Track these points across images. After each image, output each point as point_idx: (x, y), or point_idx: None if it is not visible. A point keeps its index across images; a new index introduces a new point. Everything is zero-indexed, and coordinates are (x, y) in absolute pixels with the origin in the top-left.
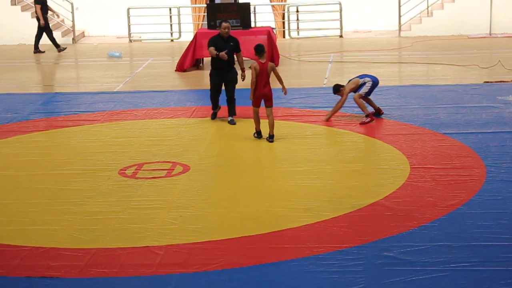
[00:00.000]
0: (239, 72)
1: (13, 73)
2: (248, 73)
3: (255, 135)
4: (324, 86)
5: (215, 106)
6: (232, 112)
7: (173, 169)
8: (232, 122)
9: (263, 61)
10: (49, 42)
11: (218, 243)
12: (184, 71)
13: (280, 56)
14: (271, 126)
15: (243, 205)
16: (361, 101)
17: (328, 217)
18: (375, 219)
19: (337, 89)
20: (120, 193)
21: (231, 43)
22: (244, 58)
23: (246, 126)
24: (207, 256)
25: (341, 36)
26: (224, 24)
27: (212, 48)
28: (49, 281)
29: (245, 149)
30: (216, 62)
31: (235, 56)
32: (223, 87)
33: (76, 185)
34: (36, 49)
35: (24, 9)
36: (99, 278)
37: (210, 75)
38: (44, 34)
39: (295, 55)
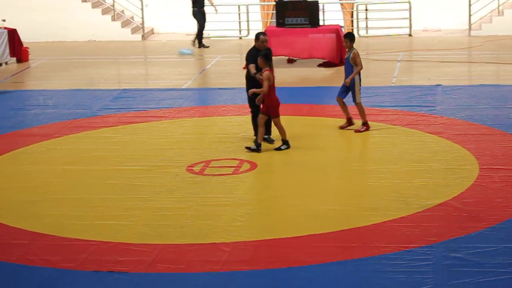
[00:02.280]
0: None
1: (83, 69)
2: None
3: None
4: (392, 85)
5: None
6: (267, 132)
7: (241, 166)
8: (270, 141)
9: (270, 68)
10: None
11: (284, 241)
12: None
13: None
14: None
15: (310, 203)
16: (362, 106)
17: (395, 217)
18: (443, 219)
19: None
20: (188, 189)
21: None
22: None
23: (314, 125)
24: (273, 254)
25: (410, 35)
26: (262, 37)
27: (252, 66)
28: (117, 275)
29: (312, 147)
30: (253, 77)
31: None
32: None
33: (144, 181)
34: (201, 44)
35: (94, 6)
36: (166, 274)
37: (248, 91)
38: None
39: (363, 53)
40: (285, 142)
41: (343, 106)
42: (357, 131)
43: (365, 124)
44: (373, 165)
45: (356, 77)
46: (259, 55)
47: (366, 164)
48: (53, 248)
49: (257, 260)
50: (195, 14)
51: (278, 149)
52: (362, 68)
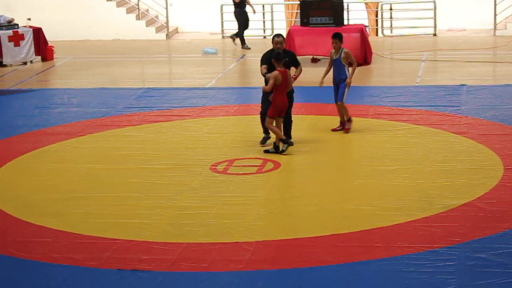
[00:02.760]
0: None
1: (107, 68)
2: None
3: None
4: (417, 85)
5: (267, 130)
6: (289, 133)
7: (264, 166)
8: (290, 144)
9: (282, 69)
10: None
11: (307, 240)
12: None
13: (372, 54)
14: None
15: (333, 203)
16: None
17: (418, 217)
18: (466, 220)
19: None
20: (211, 188)
21: (286, 59)
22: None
23: (337, 124)
24: (296, 253)
25: (435, 34)
26: (276, 39)
27: (263, 67)
28: (140, 274)
29: (335, 146)
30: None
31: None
32: None
33: (168, 180)
34: (244, 44)
35: (119, 4)
36: (189, 273)
37: (263, 93)
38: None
39: (388, 53)
40: (283, 141)
41: (342, 108)
42: (346, 130)
43: (350, 120)
44: (396, 164)
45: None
46: (272, 55)
47: (390, 163)
48: (76, 246)
49: (280, 260)
50: (238, 14)
51: (288, 142)
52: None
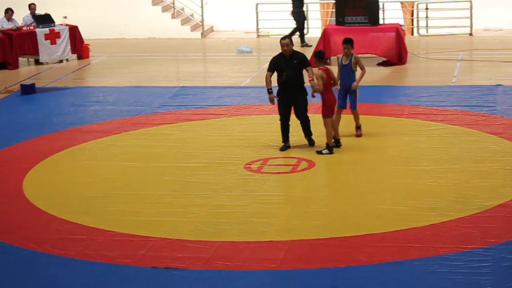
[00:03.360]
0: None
1: (142, 66)
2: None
3: (333, 145)
4: (452, 84)
5: (286, 139)
6: (307, 133)
7: (298, 165)
8: (311, 143)
9: (323, 67)
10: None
11: (342, 240)
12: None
13: (408, 53)
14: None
15: (368, 203)
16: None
17: (453, 217)
18: (502, 220)
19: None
20: (245, 187)
21: (295, 61)
22: (370, 56)
23: (373, 124)
24: (330, 253)
25: (471, 34)
26: (282, 42)
27: (268, 74)
28: (174, 272)
29: (370, 146)
30: (279, 81)
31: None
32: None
33: (202, 178)
34: (303, 42)
35: (155, 3)
36: (223, 271)
37: (278, 97)
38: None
39: (423, 52)
40: (328, 147)
41: (338, 116)
42: (358, 135)
43: (360, 127)
44: (432, 165)
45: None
46: (314, 54)
47: (425, 164)
48: (111, 244)
49: (314, 259)
50: (296, 14)
51: (319, 152)
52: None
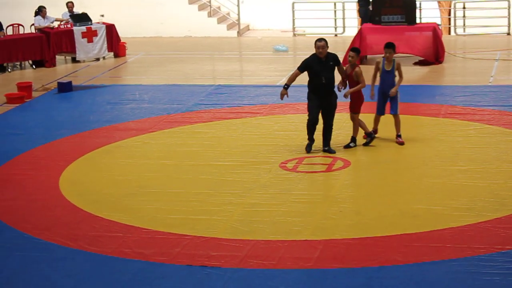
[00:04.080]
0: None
1: (178, 65)
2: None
3: (370, 136)
4: (489, 84)
5: (312, 138)
6: (326, 143)
7: (334, 164)
8: (332, 151)
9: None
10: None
11: (377, 239)
12: None
13: (445, 53)
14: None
15: (404, 202)
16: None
17: (490, 218)
18: None
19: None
20: (281, 186)
21: (330, 63)
22: (406, 55)
23: (409, 123)
24: (365, 252)
25: (508, 33)
26: (317, 43)
27: (296, 73)
28: (209, 270)
29: (406, 145)
30: (314, 83)
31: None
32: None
33: (237, 177)
34: None
35: (191, 2)
36: (257, 270)
37: (309, 99)
38: None
39: (460, 52)
40: (353, 139)
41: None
42: (400, 142)
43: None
44: (468, 165)
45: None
46: (352, 50)
47: (462, 163)
48: (146, 241)
49: (349, 258)
50: (363, 13)
51: (347, 146)
52: (364, 86)
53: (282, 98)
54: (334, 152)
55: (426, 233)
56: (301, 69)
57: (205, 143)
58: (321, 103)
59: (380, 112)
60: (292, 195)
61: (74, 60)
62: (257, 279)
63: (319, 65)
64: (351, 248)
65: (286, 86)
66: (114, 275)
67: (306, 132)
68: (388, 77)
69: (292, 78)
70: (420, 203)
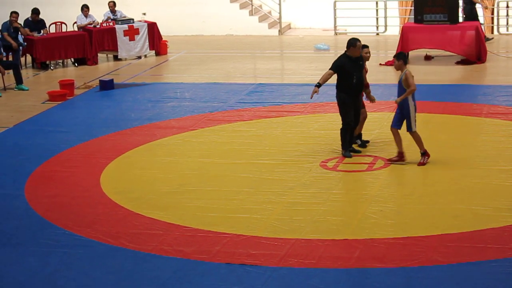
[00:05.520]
0: None
1: (220, 63)
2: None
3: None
4: None
5: (348, 146)
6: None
7: (375, 163)
8: (363, 144)
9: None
10: None
11: (417, 239)
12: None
13: (488, 52)
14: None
15: (445, 202)
16: (418, 135)
17: None
18: None
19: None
20: (321, 185)
21: (360, 62)
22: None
23: (450, 123)
24: (405, 252)
25: None
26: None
27: (331, 73)
28: (249, 268)
29: (448, 146)
30: (345, 83)
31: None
32: None
33: (278, 175)
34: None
35: (233, 0)
36: (297, 269)
37: (343, 101)
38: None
39: (503, 51)
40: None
41: (397, 136)
42: (420, 164)
43: (425, 153)
44: (510, 165)
45: (411, 102)
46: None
47: (504, 164)
48: (186, 239)
49: (389, 258)
50: (469, 11)
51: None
52: (415, 89)
53: (312, 96)
54: (359, 152)
55: (467, 234)
56: (334, 69)
57: (245, 142)
58: (354, 105)
59: (392, 124)
60: (332, 194)
61: (116, 58)
62: (296, 278)
63: (352, 66)
64: (391, 247)
65: (319, 85)
66: (154, 272)
67: None
68: (398, 88)
69: (326, 78)
70: (461, 203)
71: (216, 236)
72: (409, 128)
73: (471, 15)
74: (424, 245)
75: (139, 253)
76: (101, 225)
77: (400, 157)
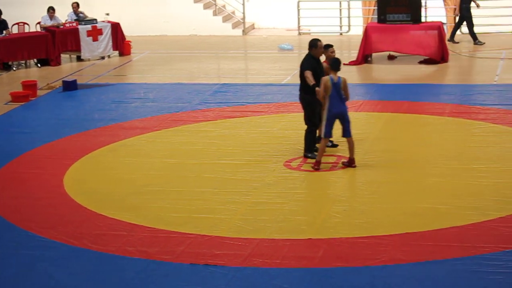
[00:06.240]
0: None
1: (184, 63)
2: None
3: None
4: (494, 83)
5: (314, 145)
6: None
7: (338, 163)
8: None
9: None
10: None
11: (381, 238)
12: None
13: (450, 52)
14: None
15: (408, 201)
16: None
17: (494, 217)
18: None
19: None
20: (285, 185)
21: (320, 63)
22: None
23: (413, 122)
24: (369, 251)
25: None
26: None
27: (311, 72)
28: (213, 268)
29: (411, 145)
30: (313, 86)
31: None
32: None
33: (242, 175)
34: (476, 40)
35: (196, 0)
36: (261, 269)
37: (309, 103)
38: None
39: (465, 51)
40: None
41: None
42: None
43: (317, 162)
44: (473, 163)
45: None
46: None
47: (466, 162)
48: (150, 240)
49: (353, 257)
50: (466, 11)
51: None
52: (321, 95)
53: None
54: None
55: (430, 232)
56: (311, 69)
57: (209, 142)
58: (318, 105)
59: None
60: (296, 194)
61: (79, 58)
62: (260, 278)
63: (316, 65)
64: (355, 247)
65: (316, 86)
66: (117, 274)
67: None
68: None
69: (312, 78)
70: (424, 202)
71: (180, 236)
72: (348, 134)
73: (470, 14)
74: (387, 244)
75: (103, 254)
76: (64, 226)
77: (350, 163)
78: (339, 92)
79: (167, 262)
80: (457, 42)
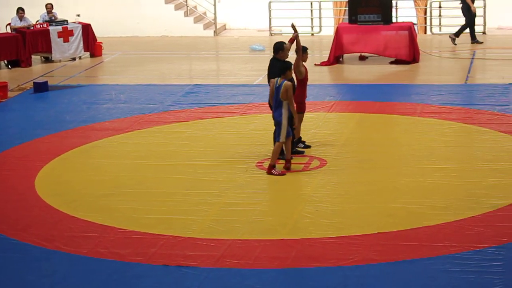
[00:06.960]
0: None
1: (155, 64)
2: None
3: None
4: (465, 83)
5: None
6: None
7: (310, 163)
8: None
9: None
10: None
11: (353, 238)
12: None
13: (420, 52)
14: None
15: (380, 201)
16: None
17: (466, 216)
18: None
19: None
20: (257, 185)
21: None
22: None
23: (385, 122)
24: (342, 251)
25: (484, 32)
26: (286, 46)
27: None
28: (185, 270)
29: (383, 145)
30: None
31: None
32: None
33: (214, 176)
34: (474, 39)
35: (167, 1)
36: (234, 269)
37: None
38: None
39: (436, 51)
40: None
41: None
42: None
43: (274, 166)
44: (444, 163)
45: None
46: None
47: (437, 162)
48: (122, 242)
49: (325, 257)
50: (466, 10)
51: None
52: (292, 101)
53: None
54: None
55: (402, 232)
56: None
57: (181, 143)
58: None
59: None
60: (268, 195)
61: (48, 60)
62: (233, 279)
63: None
64: (328, 247)
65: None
66: (89, 275)
67: None
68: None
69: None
70: (395, 202)
71: (152, 238)
72: (278, 138)
73: (470, 13)
74: (360, 244)
75: (75, 256)
76: (36, 228)
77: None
78: (277, 96)
79: (140, 263)
80: (481, 42)
